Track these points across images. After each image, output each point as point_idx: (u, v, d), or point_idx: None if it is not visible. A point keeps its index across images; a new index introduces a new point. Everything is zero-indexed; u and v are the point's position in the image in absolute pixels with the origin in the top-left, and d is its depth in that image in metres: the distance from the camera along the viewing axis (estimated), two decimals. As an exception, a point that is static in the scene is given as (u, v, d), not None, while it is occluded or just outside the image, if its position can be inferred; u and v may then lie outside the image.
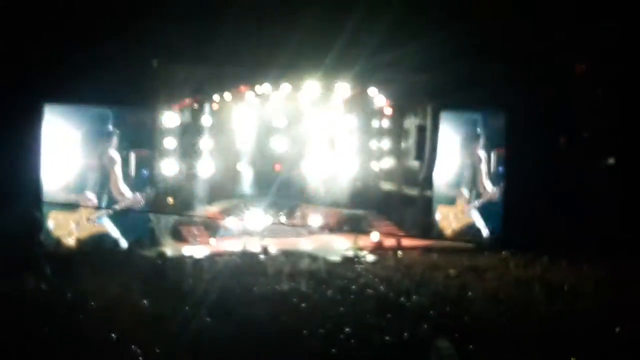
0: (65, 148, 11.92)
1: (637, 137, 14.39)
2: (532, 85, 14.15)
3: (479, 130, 14.13)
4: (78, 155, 11.92)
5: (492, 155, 14.10)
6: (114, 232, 11.83)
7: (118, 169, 12.01)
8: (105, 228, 11.79)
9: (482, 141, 14.02)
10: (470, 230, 13.86)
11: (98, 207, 11.81)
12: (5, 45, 12.25)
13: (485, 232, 13.80)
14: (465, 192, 14.04)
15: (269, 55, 13.47)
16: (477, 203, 13.83)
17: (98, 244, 11.66)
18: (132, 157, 12.29)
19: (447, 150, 14.18)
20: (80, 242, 11.61)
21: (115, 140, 12.08)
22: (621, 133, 14.69)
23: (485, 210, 14.01)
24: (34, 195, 11.65)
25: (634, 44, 14.60)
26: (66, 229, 11.58)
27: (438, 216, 13.91)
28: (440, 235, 13.82)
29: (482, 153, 13.95)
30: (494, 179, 14.08)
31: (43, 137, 11.86)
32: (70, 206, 11.70)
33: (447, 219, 13.86)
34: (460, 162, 14.06)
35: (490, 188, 13.90)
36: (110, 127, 12.06)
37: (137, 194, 12.10)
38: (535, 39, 14.57)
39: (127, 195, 12.01)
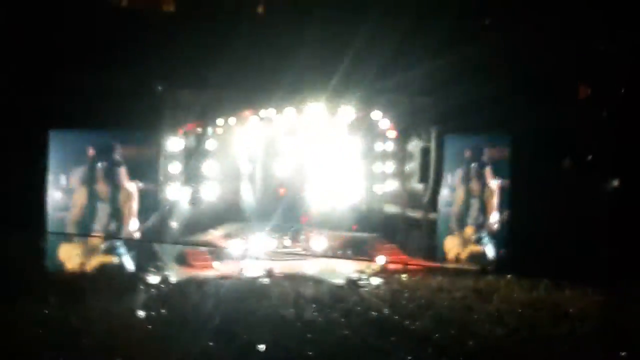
0: (73, 180, 11.96)
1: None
2: (536, 109, 14.17)
3: (485, 156, 14.12)
4: (88, 187, 11.93)
5: (499, 182, 14.07)
6: (122, 257, 11.84)
7: (134, 203, 12.04)
8: (115, 256, 11.79)
9: (488, 167, 14.00)
10: (477, 256, 13.83)
11: (107, 238, 11.82)
12: (9, 73, 12.36)
13: (490, 255, 13.76)
14: (473, 218, 14.02)
15: (273, 79, 13.52)
16: (485, 229, 13.81)
17: (103, 270, 11.67)
18: (138, 183, 12.33)
19: (453, 176, 14.17)
20: (88, 269, 11.62)
21: (125, 171, 12.09)
22: (626, 156, 14.69)
23: (492, 236, 13.98)
24: (39, 224, 11.69)
25: (638, 67, 14.65)
26: (75, 260, 11.61)
27: (446, 246, 13.89)
28: (444, 258, 13.81)
29: (488, 178, 13.94)
30: (501, 205, 14.03)
31: (49, 165, 11.91)
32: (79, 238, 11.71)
33: (455, 248, 13.86)
34: (466, 187, 14.05)
35: (497, 214, 13.89)
36: (119, 157, 12.08)
37: (144, 224, 12.12)
38: (538, 61, 14.62)
39: (136, 226, 12.03)
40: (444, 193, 14.14)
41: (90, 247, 11.75)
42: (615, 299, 10.69)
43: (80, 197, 11.81)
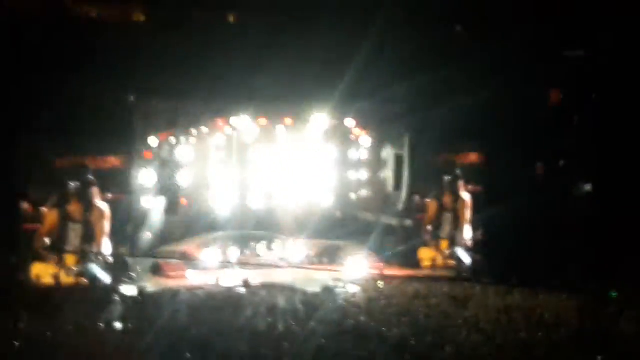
0: (44, 199, 11.92)
1: (614, 164, 14.47)
2: (507, 115, 14.24)
3: (457, 169, 14.18)
4: (59, 208, 11.84)
5: (473, 193, 14.11)
6: (95, 271, 11.75)
7: (107, 221, 11.94)
8: (89, 275, 11.68)
9: (461, 181, 14.04)
10: (453, 264, 13.85)
11: (79, 255, 11.73)
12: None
13: (466, 262, 13.80)
14: (445, 234, 14.04)
15: (246, 88, 13.51)
16: (459, 243, 13.84)
17: (76, 285, 11.56)
18: (110, 195, 12.27)
19: (427, 186, 14.21)
20: (61, 285, 11.53)
21: (97, 191, 12.00)
22: (600, 161, 14.77)
23: (467, 248, 13.98)
24: (11, 240, 11.61)
25: (608, 70, 14.74)
26: (45, 280, 11.49)
27: (421, 255, 13.88)
28: (420, 265, 13.83)
29: (461, 191, 13.98)
30: (475, 217, 14.06)
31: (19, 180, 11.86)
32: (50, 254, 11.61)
33: (429, 260, 13.87)
34: (439, 200, 14.07)
35: (470, 228, 13.91)
36: (91, 177, 12.01)
37: (117, 237, 12.07)
38: (509, 68, 14.68)
39: (108, 243, 11.95)
40: (418, 201, 14.17)
41: (62, 264, 11.63)
42: (590, 304, 10.73)
43: (51, 216, 11.75)
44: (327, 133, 15.32)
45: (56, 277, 11.46)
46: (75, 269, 11.58)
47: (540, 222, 13.59)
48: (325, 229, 15.21)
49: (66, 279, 11.54)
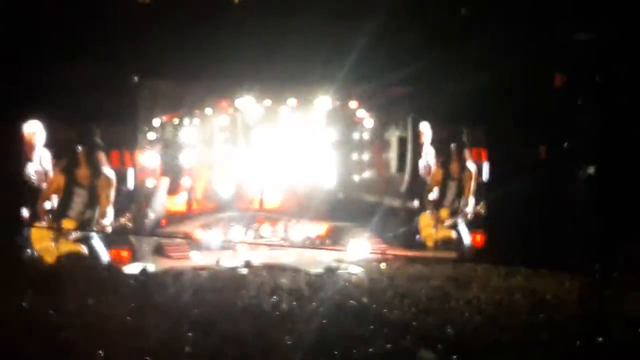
0: (48, 166, 11.91)
1: (617, 146, 14.44)
2: (511, 97, 14.22)
3: (464, 141, 14.19)
4: (65, 172, 11.83)
5: (476, 168, 14.13)
6: (97, 247, 11.77)
7: (112, 190, 11.93)
8: (84, 245, 11.68)
9: (467, 149, 14.06)
10: (453, 241, 13.88)
11: (80, 229, 11.71)
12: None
13: (467, 242, 13.82)
14: (448, 203, 14.08)
15: (250, 69, 13.48)
16: (460, 214, 13.86)
17: (79, 261, 11.57)
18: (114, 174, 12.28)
19: (430, 162, 14.25)
20: (60, 259, 11.53)
21: (105, 156, 11.98)
22: (602, 142, 14.75)
23: (468, 221, 14.03)
24: (14, 216, 11.59)
25: (612, 54, 14.70)
26: (44, 244, 11.48)
27: (420, 225, 13.93)
28: (423, 246, 13.85)
29: (467, 160, 14.00)
30: (478, 190, 14.09)
31: (23, 155, 11.82)
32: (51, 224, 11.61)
33: (429, 228, 13.90)
34: (444, 169, 14.11)
35: (474, 199, 13.94)
36: (99, 140, 12.00)
37: (120, 215, 12.08)
38: (513, 50, 14.65)
39: (112, 214, 11.94)
40: (421, 181, 14.20)
41: (62, 234, 11.63)
42: (591, 285, 10.75)
43: (56, 181, 11.72)
44: (330, 115, 15.30)
45: (55, 240, 11.47)
46: (74, 234, 11.58)
47: (543, 203, 13.61)
48: (328, 210, 15.22)
49: (65, 245, 11.54)
